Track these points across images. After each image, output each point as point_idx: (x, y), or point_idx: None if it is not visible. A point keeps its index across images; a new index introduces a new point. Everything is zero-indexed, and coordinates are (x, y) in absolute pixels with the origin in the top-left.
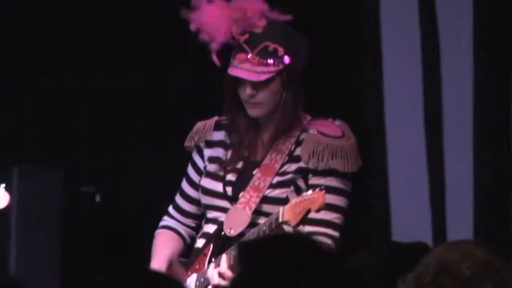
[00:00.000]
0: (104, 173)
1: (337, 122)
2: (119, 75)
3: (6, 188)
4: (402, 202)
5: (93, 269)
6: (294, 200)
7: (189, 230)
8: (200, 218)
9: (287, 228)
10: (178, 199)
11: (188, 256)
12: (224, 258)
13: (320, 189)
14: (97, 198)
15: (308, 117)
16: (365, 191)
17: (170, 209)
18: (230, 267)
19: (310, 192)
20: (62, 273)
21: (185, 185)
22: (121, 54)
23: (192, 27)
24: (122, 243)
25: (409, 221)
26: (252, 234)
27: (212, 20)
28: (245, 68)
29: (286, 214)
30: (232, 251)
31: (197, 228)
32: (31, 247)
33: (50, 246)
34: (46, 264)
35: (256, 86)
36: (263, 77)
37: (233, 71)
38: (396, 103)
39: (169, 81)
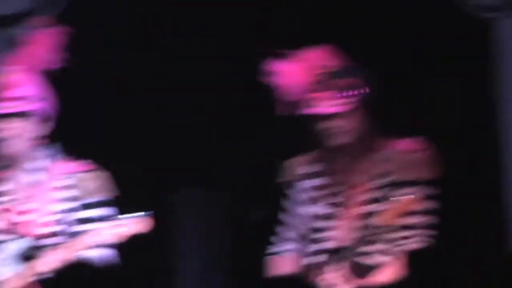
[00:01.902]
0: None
1: (413, 140)
2: None
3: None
4: None
5: None
6: (389, 206)
7: (301, 250)
8: (304, 242)
9: (384, 230)
10: (282, 230)
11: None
12: (333, 266)
13: (409, 195)
14: (252, 214)
15: (384, 140)
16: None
17: (277, 240)
18: (339, 273)
19: (401, 197)
20: None
21: (288, 218)
22: None
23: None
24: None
25: None
26: (357, 240)
27: (292, 78)
28: (325, 103)
29: (384, 218)
30: (343, 257)
31: (304, 247)
32: (191, 267)
33: (208, 265)
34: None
35: (339, 118)
36: (344, 109)
37: (317, 109)
38: None
39: None
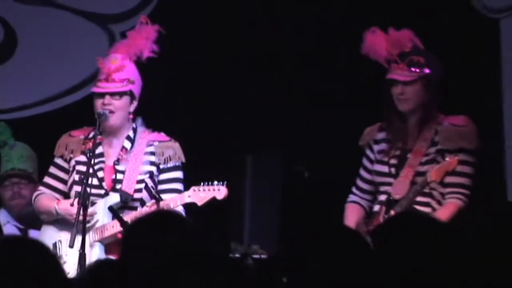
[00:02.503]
0: (312, 156)
1: (462, 117)
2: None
3: (241, 172)
4: None
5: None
6: (436, 166)
7: (367, 202)
8: (373, 194)
9: (433, 185)
10: (358, 182)
11: (368, 217)
12: (392, 213)
13: (453, 157)
14: (306, 175)
15: (441, 115)
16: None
17: (353, 189)
18: None
19: (447, 159)
20: (281, 234)
21: (362, 172)
22: None
23: (363, 51)
24: (325, 210)
25: None
26: (411, 192)
27: (379, 48)
28: (397, 73)
29: (432, 175)
30: (398, 207)
31: (373, 200)
32: (260, 215)
33: (274, 214)
34: (270, 226)
35: (404, 85)
36: (409, 78)
37: (389, 76)
38: None
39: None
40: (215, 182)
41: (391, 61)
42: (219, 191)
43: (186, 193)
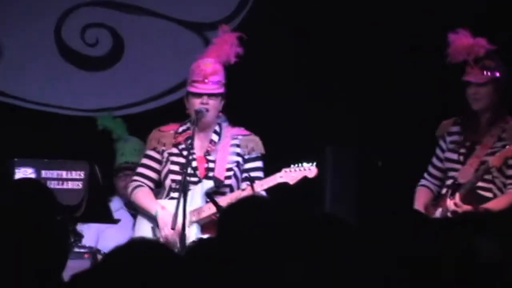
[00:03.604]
0: (386, 148)
1: None
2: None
3: (321, 162)
4: None
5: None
6: (498, 153)
7: (436, 187)
8: (442, 180)
9: (495, 174)
10: (430, 168)
11: (436, 200)
12: (457, 195)
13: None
14: (379, 164)
15: (510, 117)
16: None
17: (425, 174)
18: (461, 200)
19: (507, 147)
20: (358, 218)
21: (434, 159)
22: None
23: (449, 51)
24: (398, 195)
25: None
26: (474, 177)
27: (456, 50)
28: (472, 75)
29: (494, 161)
30: (462, 190)
31: (441, 185)
32: (339, 201)
33: (350, 199)
34: (349, 211)
35: (477, 87)
36: (482, 81)
37: (465, 78)
38: None
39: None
40: (305, 163)
41: (467, 64)
42: (310, 170)
43: (278, 174)
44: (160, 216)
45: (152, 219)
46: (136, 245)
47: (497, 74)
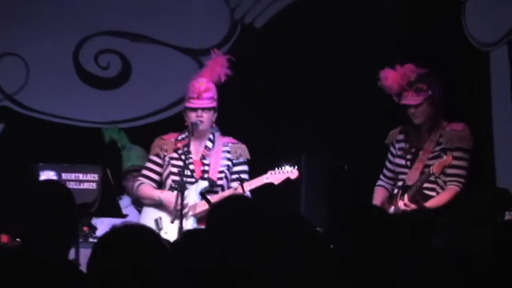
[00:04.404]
0: (351, 153)
1: (461, 123)
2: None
3: (298, 167)
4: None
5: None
6: (438, 161)
7: (391, 186)
8: (395, 180)
9: (437, 175)
10: (384, 171)
11: (390, 198)
12: (406, 196)
13: (449, 154)
14: (345, 167)
15: (445, 122)
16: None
17: (381, 176)
18: (409, 200)
19: (444, 156)
20: (328, 213)
21: (387, 163)
22: None
23: (382, 83)
24: (359, 193)
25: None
26: (419, 181)
27: (391, 82)
28: (409, 99)
29: (434, 168)
30: (410, 192)
31: (394, 185)
32: (312, 200)
33: (321, 200)
34: (320, 207)
35: (415, 107)
36: (418, 102)
37: (403, 101)
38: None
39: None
40: (287, 167)
41: (403, 88)
42: (292, 172)
43: (265, 176)
44: (163, 197)
45: (155, 213)
46: (130, 226)
47: (430, 93)
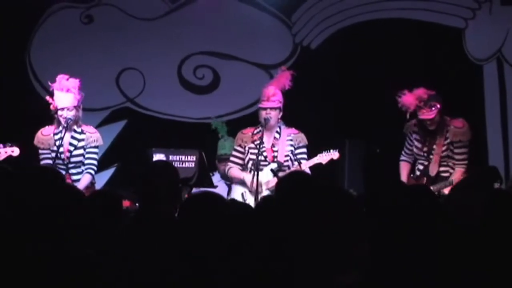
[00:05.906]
0: (385, 139)
1: (461, 119)
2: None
3: (340, 150)
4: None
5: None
6: (457, 174)
7: (411, 158)
8: (413, 155)
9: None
10: (405, 149)
11: (413, 173)
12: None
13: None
14: (378, 151)
15: (448, 118)
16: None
17: (403, 152)
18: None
19: (451, 178)
20: (365, 187)
21: (406, 144)
22: None
23: (402, 107)
24: (388, 170)
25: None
26: (441, 187)
27: (408, 103)
28: (424, 114)
29: (454, 180)
30: (434, 187)
31: (413, 158)
32: (353, 178)
33: (359, 177)
34: (361, 181)
35: (431, 120)
36: (432, 116)
37: (420, 116)
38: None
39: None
40: (331, 150)
41: (419, 107)
42: (335, 154)
43: (315, 158)
44: (246, 178)
45: (241, 189)
46: (209, 193)
47: (438, 106)
